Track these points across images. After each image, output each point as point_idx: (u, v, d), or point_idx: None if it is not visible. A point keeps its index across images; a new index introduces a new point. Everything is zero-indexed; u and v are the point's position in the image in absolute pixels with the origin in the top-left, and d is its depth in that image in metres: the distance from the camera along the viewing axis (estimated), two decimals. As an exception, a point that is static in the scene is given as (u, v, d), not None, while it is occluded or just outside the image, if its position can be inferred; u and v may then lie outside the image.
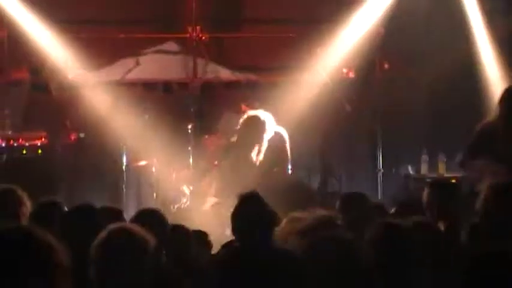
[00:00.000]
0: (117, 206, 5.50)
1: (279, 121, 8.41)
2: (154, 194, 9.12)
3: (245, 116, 8.19)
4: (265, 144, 8.08)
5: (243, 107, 8.93)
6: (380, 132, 9.66)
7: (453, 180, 8.14)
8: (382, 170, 9.65)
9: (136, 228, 3.33)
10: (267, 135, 8.09)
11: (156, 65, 10.38)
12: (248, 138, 8.09)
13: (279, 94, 9.44)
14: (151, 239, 3.27)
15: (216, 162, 8.98)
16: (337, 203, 5.23)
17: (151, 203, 9.22)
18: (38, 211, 4.80)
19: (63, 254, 2.44)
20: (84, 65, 10.22)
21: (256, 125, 8.08)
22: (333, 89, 9.18)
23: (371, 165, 9.82)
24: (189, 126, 9.35)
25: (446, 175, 8.96)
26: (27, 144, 8.97)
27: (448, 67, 9.55)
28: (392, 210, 5.44)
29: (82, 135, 9.54)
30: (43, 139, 9.06)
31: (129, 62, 9.93)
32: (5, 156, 8.76)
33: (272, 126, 8.19)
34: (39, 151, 8.96)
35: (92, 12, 9.94)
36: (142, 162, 9.41)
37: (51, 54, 10.11)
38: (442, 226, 4.78)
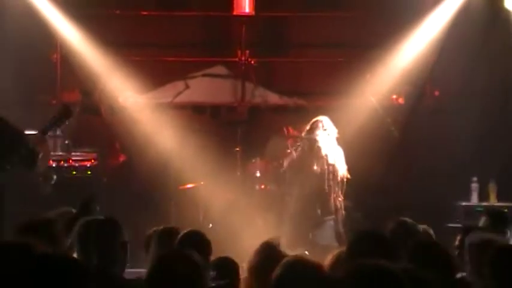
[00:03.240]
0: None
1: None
2: (201, 217, 9.14)
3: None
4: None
5: (290, 130, 8.92)
6: (429, 159, 9.54)
7: (505, 210, 8.01)
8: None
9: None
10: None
11: (204, 88, 10.45)
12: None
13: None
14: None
15: (262, 186, 8.98)
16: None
17: (197, 225, 9.24)
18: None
19: None
20: (134, 87, 10.35)
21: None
22: (382, 115, 9.11)
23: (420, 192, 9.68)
24: (236, 150, 9.37)
25: (497, 204, 8.82)
26: (77, 165, 9.07)
27: (497, 95, 9.45)
28: None
29: (131, 156, 9.61)
30: (93, 160, 9.15)
31: (179, 85, 10.02)
32: (55, 177, 8.86)
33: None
34: (89, 172, 9.06)
35: (142, 36, 10.06)
36: (190, 185, 9.45)
37: (102, 77, 10.25)
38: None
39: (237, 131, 9.69)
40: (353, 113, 10.01)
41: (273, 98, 10.54)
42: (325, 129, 7.88)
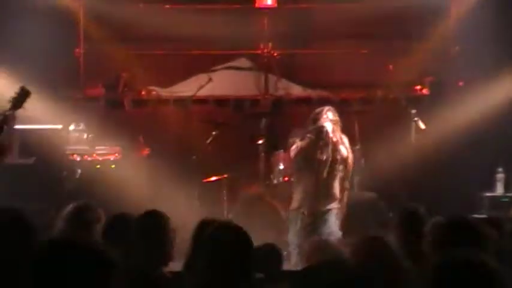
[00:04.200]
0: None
1: (350, 139, 8.30)
2: (225, 210, 9.15)
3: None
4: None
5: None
6: (453, 149, 9.47)
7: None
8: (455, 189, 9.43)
9: None
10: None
11: (227, 81, 10.46)
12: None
13: (352, 110, 9.37)
14: None
15: (286, 178, 8.97)
16: None
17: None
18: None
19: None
20: (157, 81, 10.39)
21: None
22: (407, 106, 9.05)
23: (444, 184, 9.61)
24: (260, 142, 9.36)
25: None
26: (100, 159, 9.12)
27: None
28: None
29: (155, 150, 9.64)
30: (116, 154, 9.19)
31: (202, 78, 10.02)
32: (79, 171, 8.92)
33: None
34: (113, 166, 9.10)
35: (165, 29, 10.07)
36: (213, 178, 9.46)
37: (125, 71, 10.30)
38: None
39: (260, 124, 9.68)
40: (377, 105, 9.98)
41: (296, 90, 10.52)
42: (329, 118, 7.82)
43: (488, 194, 9.15)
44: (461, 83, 9.77)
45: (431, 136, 9.16)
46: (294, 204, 7.87)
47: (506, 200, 8.40)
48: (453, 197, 9.20)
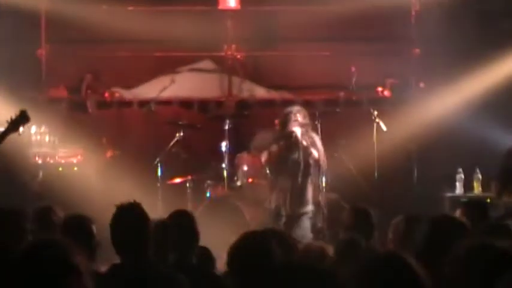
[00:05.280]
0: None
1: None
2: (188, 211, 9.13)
3: None
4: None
5: (276, 122, 8.94)
6: (415, 150, 9.59)
7: (488, 200, 8.06)
8: (417, 189, 9.55)
9: None
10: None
11: (191, 83, 10.47)
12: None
13: (314, 112, 9.43)
14: None
15: (250, 180, 9.01)
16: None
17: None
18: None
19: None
20: (121, 82, 10.37)
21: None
22: (369, 108, 9.16)
23: (406, 184, 9.73)
24: (224, 144, 9.38)
25: (481, 194, 8.87)
26: (63, 161, 9.08)
27: (483, 86, 9.50)
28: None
29: (118, 152, 9.61)
30: (79, 156, 9.16)
31: (165, 80, 10.02)
32: (41, 173, 8.87)
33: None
34: (75, 168, 9.06)
35: (129, 31, 10.05)
36: (177, 180, 9.47)
37: (89, 73, 10.26)
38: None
39: (224, 125, 9.71)
40: (340, 106, 10.06)
41: (260, 92, 10.57)
42: (299, 121, 7.85)
43: (448, 195, 9.28)
44: (422, 85, 9.89)
45: (393, 137, 9.26)
46: (272, 204, 7.92)
47: (466, 200, 8.50)
48: (414, 197, 9.33)
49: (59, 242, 2.63)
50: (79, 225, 4.64)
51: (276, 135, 8.01)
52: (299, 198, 7.79)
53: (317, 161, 7.85)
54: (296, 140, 7.75)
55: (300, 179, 7.76)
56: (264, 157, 7.97)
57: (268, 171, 8.09)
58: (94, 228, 4.70)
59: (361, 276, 2.59)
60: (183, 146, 9.75)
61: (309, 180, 7.86)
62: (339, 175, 9.53)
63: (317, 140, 8.00)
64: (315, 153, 7.82)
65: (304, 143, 7.78)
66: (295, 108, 8.04)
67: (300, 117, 7.86)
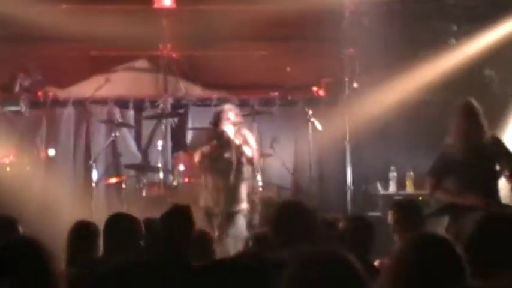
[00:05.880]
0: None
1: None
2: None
3: None
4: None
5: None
6: (349, 149, 9.72)
7: (420, 198, 8.24)
8: (351, 188, 9.68)
9: None
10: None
11: (127, 82, 10.40)
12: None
13: (249, 111, 9.48)
14: None
15: (186, 180, 9.00)
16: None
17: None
18: None
19: None
20: (55, 81, 10.23)
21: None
22: (304, 107, 9.25)
23: (340, 183, 9.85)
24: (160, 144, 9.35)
25: (414, 192, 9.05)
26: (-5, 161, 8.93)
27: (416, 85, 9.67)
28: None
29: (52, 152, 9.50)
30: (11, 157, 9.02)
31: (100, 79, 9.93)
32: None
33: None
34: (8, 169, 8.92)
35: (64, 30, 9.92)
36: (113, 180, 9.41)
37: (22, 72, 10.10)
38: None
39: (161, 125, 9.67)
40: (275, 106, 10.12)
41: (196, 91, 10.55)
42: (231, 120, 7.89)
43: (382, 193, 9.43)
44: (356, 85, 10.01)
45: (328, 137, 9.36)
46: (206, 203, 7.93)
47: (399, 197, 8.67)
48: (349, 195, 9.46)
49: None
50: (5, 225, 4.60)
51: (208, 134, 8.02)
52: (233, 196, 7.81)
53: (250, 160, 7.89)
54: (228, 139, 7.78)
55: (232, 178, 7.78)
56: (196, 157, 7.97)
57: (202, 170, 8.09)
58: (20, 228, 4.67)
59: (297, 275, 2.60)
60: (118, 146, 9.70)
61: (242, 179, 7.89)
62: (274, 173, 9.62)
63: (250, 138, 8.04)
64: (248, 151, 7.85)
65: (237, 141, 7.81)
66: (227, 107, 8.07)
67: (232, 116, 7.88)
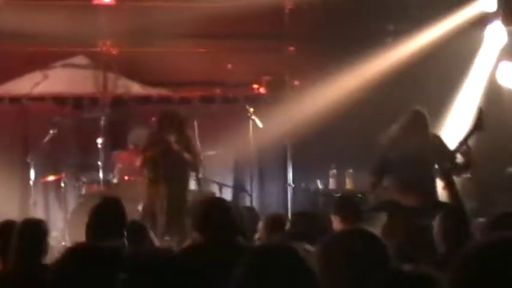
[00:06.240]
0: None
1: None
2: (63, 211, 9.00)
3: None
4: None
5: (153, 120, 8.93)
6: (290, 147, 9.79)
7: (359, 195, 8.35)
8: (292, 185, 9.76)
9: None
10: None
11: (65, 79, 10.25)
12: None
13: (190, 109, 9.48)
14: None
15: (126, 178, 8.94)
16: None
17: (60, 217, 9.13)
18: None
19: None
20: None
21: None
22: (245, 105, 9.28)
23: (281, 180, 9.92)
24: (99, 141, 9.26)
25: (354, 190, 9.16)
26: None
27: (357, 83, 9.79)
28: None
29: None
30: None
31: (37, 75, 9.76)
32: None
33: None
34: None
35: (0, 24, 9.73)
36: (51, 177, 9.28)
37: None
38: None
39: (100, 122, 9.58)
40: (216, 103, 10.13)
41: (136, 89, 10.47)
42: (172, 122, 8.05)
43: (322, 190, 9.53)
44: (297, 82, 10.08)
45: (268, 134, 9.41)
46: (142, 200, 8.04)
47: (338, 195, 8.76)
48: (290, 192, 9.54)
49: None
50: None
51: (150, 140, 8.16)
52: (176, 199, 7.94)
53: (192, 163, 8.09)
54: (169, 145, 7.95)
55: (175, 181, 7.96)
56: (139, 162, 8.12)
57: (145, 172, 8.21)
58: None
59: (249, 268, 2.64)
60: (57, 143, 9.56)
61: (186, 181, 8.09)
62: (215, 171, 9.63)
63: (192, 139, 8.19)
64: (189, 157, 8.06)
65: (176, 145, 8.00)
66: (170, 110, 8.24)
67: (174, 122, 8.07)
